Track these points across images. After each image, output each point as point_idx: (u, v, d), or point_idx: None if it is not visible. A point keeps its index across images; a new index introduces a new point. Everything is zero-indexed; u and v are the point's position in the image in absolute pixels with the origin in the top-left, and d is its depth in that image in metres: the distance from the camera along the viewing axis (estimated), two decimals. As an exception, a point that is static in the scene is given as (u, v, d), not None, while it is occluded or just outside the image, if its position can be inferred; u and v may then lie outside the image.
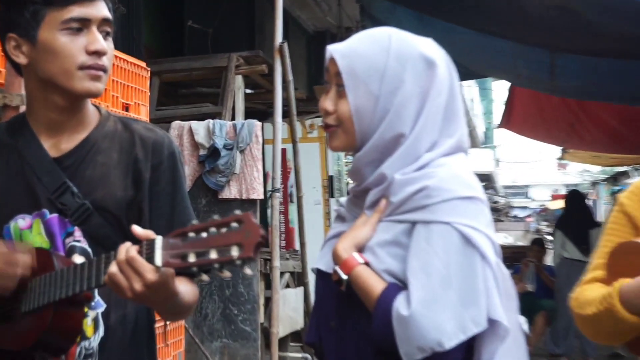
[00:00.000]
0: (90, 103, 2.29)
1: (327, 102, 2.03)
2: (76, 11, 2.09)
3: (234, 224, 1.72)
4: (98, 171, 2.20)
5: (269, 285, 7.01)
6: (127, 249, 1.86)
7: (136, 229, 1.90)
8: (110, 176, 2.19)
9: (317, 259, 2.16)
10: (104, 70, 2.14)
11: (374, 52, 1.99)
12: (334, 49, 2.02)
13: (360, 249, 1.99)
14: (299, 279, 8.35)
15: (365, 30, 2.12)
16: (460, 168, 1.99)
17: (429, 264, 1.86)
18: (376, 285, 1.92)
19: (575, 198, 11.24)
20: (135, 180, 2.20)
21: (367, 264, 1.96)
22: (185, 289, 2.12)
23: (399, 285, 1.91)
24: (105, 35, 2.16)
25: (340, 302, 2.03)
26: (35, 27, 2.11)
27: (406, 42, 2.03)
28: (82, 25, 2.10)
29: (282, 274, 7.73)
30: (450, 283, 1.85)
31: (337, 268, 1.98)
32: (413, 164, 1.98)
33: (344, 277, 1.95)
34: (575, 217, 10.70)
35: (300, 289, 7.94)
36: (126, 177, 2.20)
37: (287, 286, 8.24)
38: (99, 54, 2.11)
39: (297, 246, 9.17)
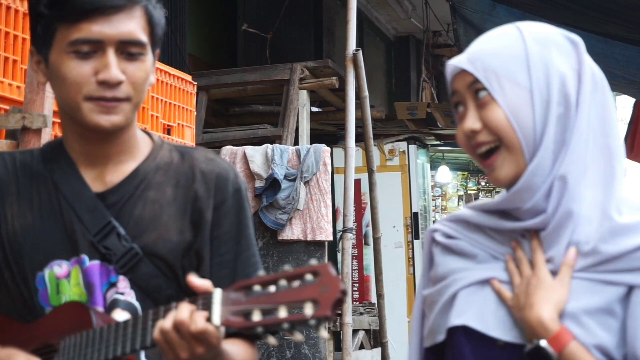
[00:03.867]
0: (139, 129, 2.29)
1: (471, 121, 1.97)
2: (85, 30, 2.06)
3: (309, 277, 1.70)
4: (149, 210, 2.19)
5: (339, 345, 6.96)
6: (195, 319, 1.84)
7: (193, 280, 1.89)
8: (164, 216, 2.19)
9: (455, 313, 2.03)
10: (120, 100, 2.09)
11: (506, 44, 1.97)
12: (457, 62, 1.99)
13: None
14: (375, 338, 8.29)
15: (481, 37, 2.07)
16: None
17: None
18: None
19: None
20: (195, 221, 2.20)
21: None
22: (238, 351, 2.12)
23: None
24: (132, 56, 2.11)
25: None
26: (48, 45, 2.12)
27: (538, 26, 2.02)
28: (94, 47, 2.07)
29: (355, 332, 7.69)
30: None
31: (544, 343, 1.88)
32: (600, 180, 1.92)
33: (554, 354, 1.87)
34: None
35: (378, 351, 7.89)
36: (183, 218, 2.20)
37: (361, 347, 8.19)
38: (108, 83, 2.07)
39: (373, 298, 9.13)
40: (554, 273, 1.91)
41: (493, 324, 1.96)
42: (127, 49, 2.10)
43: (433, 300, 2.10)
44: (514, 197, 1.94)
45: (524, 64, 1.93)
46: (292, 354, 6.91)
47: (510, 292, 1.95)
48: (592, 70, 1.97)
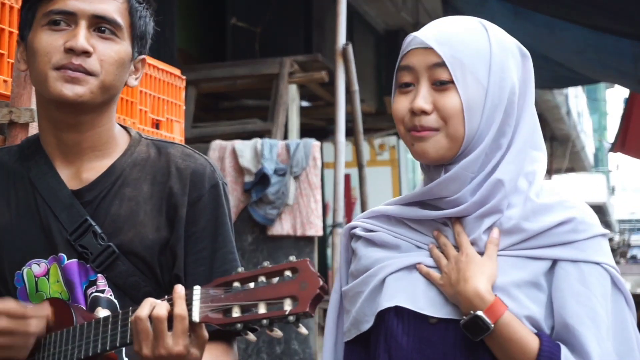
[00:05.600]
0: (117, 123, 2.29)
1: (422, 101, 2.00)
2: (60, 3, 2.11)
3: (288, 273, 1.72)
4: (125, 207, 2.19)
5: (329, 341, 6.94)
6: (180, 308, 1.84)
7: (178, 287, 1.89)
8: (140, 213, 2.19)
9: (386, 296, 2.08)
10: (85, 72, 2.10)
11: (474, 38, 2.01)
12: (425, 38, 2.01)
13: None
14: (366, 334, 8.29)
15: (443, 19, 2.13)
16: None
17: (595, 311, 1.94)
18: (529, 337, 1.93)
19: None
20: (170, 218, 2.20)
21: None
22: (218, 354, 2.13)
23: (549, 336, 1.95)
24: (104, 33, 2.14)
25: (463, 355, 1.99)
26: (29, 27, 2.16)
27: (499, 29, 2.07)
28: (67, 19, 2.11)
29: (345, 328, 7.69)
30: (609, 333, 1.94)
31: (482, 313, 1.93)
32: (525, 178, 2.04)
33: (490, 324, 1.92)
34: None
35: (368, 347, 7.88)
36: (159, 215, 2.20)
37: (352, 343, 8.19)
38: (74, 51, 2.08)
39: (364, 294, 9.12)
40: (480, 254, 2.00)
41: (424, 303, 2.02)
42: (100, 25, 2.13)
43: (356, 292, 2.15)
44: (440, 186, 2.03)
45: (486, 63, 1.99)
46: (282, 350, 6.91)
47: (438, 274, 2.03)
48: (532, 86, 2.08)
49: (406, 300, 2.04)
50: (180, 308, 1.82)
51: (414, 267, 2.07)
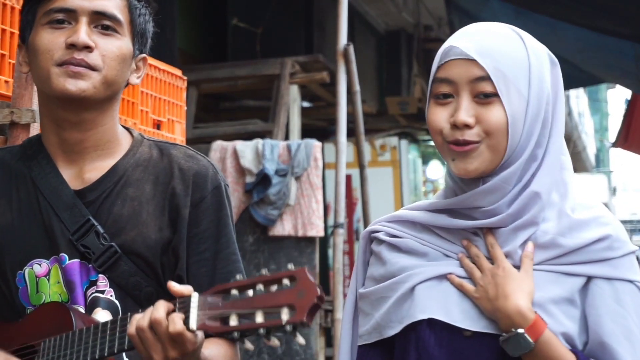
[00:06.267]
0: (120, 124, 2.30)
1: (465, 114, 1.97)
2: (59, 1, 2.13)
3: (286, 281, 1.72)
4: (128, 207, 2.20)
5: (330, 341, 6.95)
6: (173, 319, 1.84)
7: (173, 286, 1.89)
8: (143, 213, 2.20)
9: (419, 307, 2.05)
10: (88, 66, 2.12)
11: (514, 48, 1.99)
12: (466, 49, 1.97)
13: None
14: (367, 335, 8.29)
15: (475, 26, 2.08)
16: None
17: (630, 331, 1.96)
18: (567, 355, 1.94)
19: None
20: (173, 219, 2.20)
21: None
22: (217, 355, 2.13)
23: (584, 354, 1.96)
24: (105, 29, 2.17)
25: None
26: (30, 27, 2.19)
27: (532, 37, 2.05)
28: (67, 17, 2.14)
29: (346, 328, 7.68)
30: None
31: (523, 331, 1.93)
32: (557, 190, 2.04)
33: (531, 342, 1.92)
34: None
35: (369, 348, 7.88)
36: (162, 215, 2.20)
37: (353, 344, 8.18)
38: (76, 46, 2.10)
39: (365, 294, 9.13)
40: (515, 267, 1.98)
41: (458, 315, 2.01)
42: (101, 22, 2.15)
43: (381, 296, 2.13)
44: (476, 196, 2.01)
45: (526, 74, 1.97)
46: (283, 350, 6.90)
47: (472, 286, 2.01)
48: (563, 94, 2.07)
49: (439, 312, 2.03)
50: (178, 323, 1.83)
51: (444, 276, 2.05)
